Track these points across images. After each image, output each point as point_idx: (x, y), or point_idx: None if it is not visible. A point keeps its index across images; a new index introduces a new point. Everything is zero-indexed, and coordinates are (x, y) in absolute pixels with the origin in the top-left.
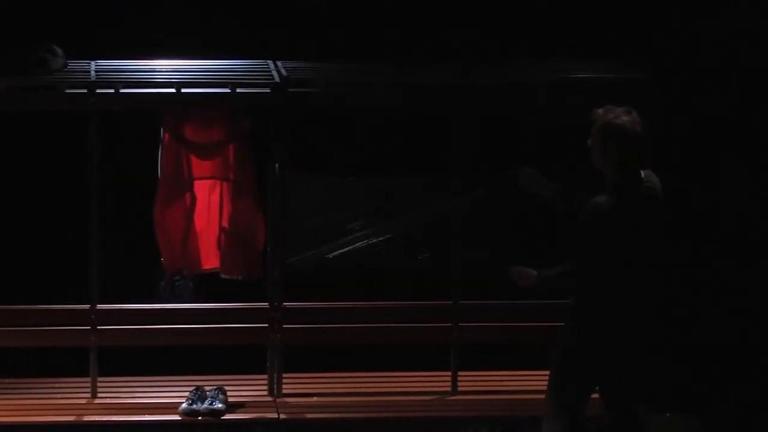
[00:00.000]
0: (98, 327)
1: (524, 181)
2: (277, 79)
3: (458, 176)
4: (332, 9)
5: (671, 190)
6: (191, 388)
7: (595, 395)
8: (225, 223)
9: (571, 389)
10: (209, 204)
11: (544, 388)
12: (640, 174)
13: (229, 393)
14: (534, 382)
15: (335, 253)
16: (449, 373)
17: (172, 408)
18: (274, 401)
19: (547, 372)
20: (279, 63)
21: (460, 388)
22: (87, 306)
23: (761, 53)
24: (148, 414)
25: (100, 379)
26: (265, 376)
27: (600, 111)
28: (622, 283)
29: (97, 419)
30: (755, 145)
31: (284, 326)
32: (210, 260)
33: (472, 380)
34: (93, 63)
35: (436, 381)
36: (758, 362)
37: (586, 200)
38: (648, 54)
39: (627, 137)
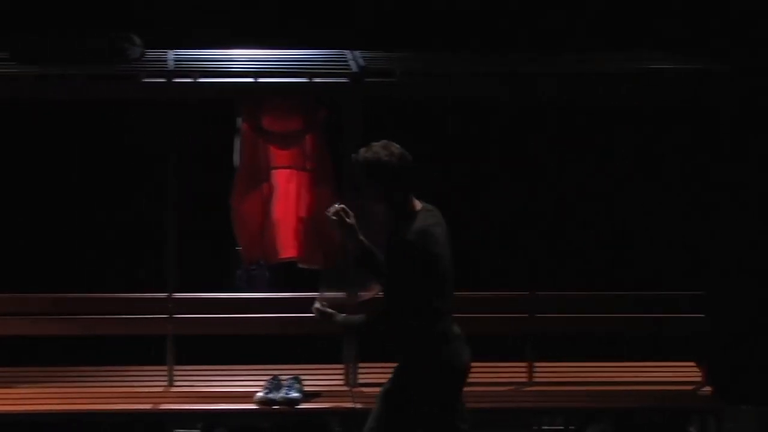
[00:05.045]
0: (175, 315)
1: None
2: (354, 68)
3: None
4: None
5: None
6: (267, 378)
7: None
8: (302, 213)
9: None
10: (286, 193)
11: (621, 379)
12: (415, 202)
13: (305, 382)
14: (610, 373)
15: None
16: (525, 364)
17: (248, 397)
18: (350, 391)
19: (625, 364)
20: (357, 53)
21: (536, 379)
22: (164, 294)
23: None
24: (224, 402)
25: (176, 367)
26: (342, 366)
27: (361, 150)
28: (448, 310)
29: (173, 407)
30: None
31: None
32: (287, 249)
33: (548, 371)
34: (171, 52)
35: (513, 372)
36: None
37: (393, 243)
38: (727, 47)
39: (388, 171)
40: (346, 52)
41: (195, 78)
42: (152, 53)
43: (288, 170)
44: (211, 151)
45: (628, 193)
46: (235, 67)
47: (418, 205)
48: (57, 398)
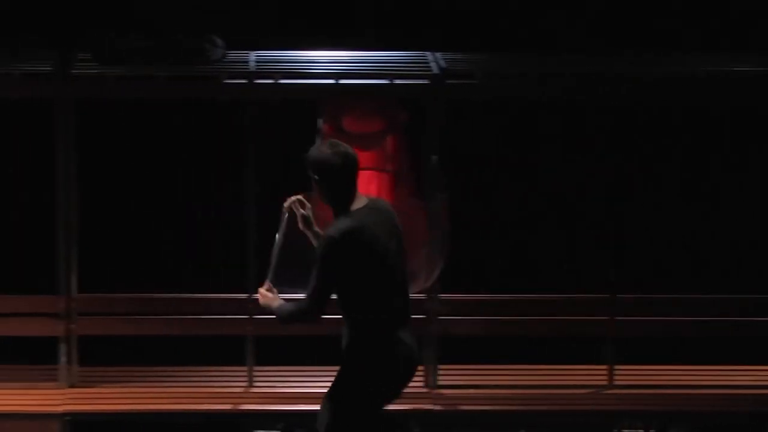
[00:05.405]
0: (255, 316)
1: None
2: (435, 70)
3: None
4: (491, 1)
5: None
6: None
7: None
8: None
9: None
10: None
11: (701, 382)
12: (359, 200)
13: None
14: (690, 376)
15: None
16: (606, 367)
17: None
18: (430, 392)
19: (705, 367)
20: (438, 54)
21: (616, 382)
22: (245, 295)
23: None
24: (303, 403)
25: (256, 368)
26: (421, 367)
27: (311, 148)
28: (386, 310)
29: (253, 408)
30: None
31: (440, 318)
32: None
33: (628, 374)
34: (252, 54)
35: (593, 374)
36: None
37: (321, 238)
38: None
39: (331, 170)
40: (426, 53)
41: (276, 79)
42: (234, 54)
43: (369, 171)
44: (291, 152)
45: (710, 196)
46: (316, 68)
47: (361, 203)
48: (137, 398)
